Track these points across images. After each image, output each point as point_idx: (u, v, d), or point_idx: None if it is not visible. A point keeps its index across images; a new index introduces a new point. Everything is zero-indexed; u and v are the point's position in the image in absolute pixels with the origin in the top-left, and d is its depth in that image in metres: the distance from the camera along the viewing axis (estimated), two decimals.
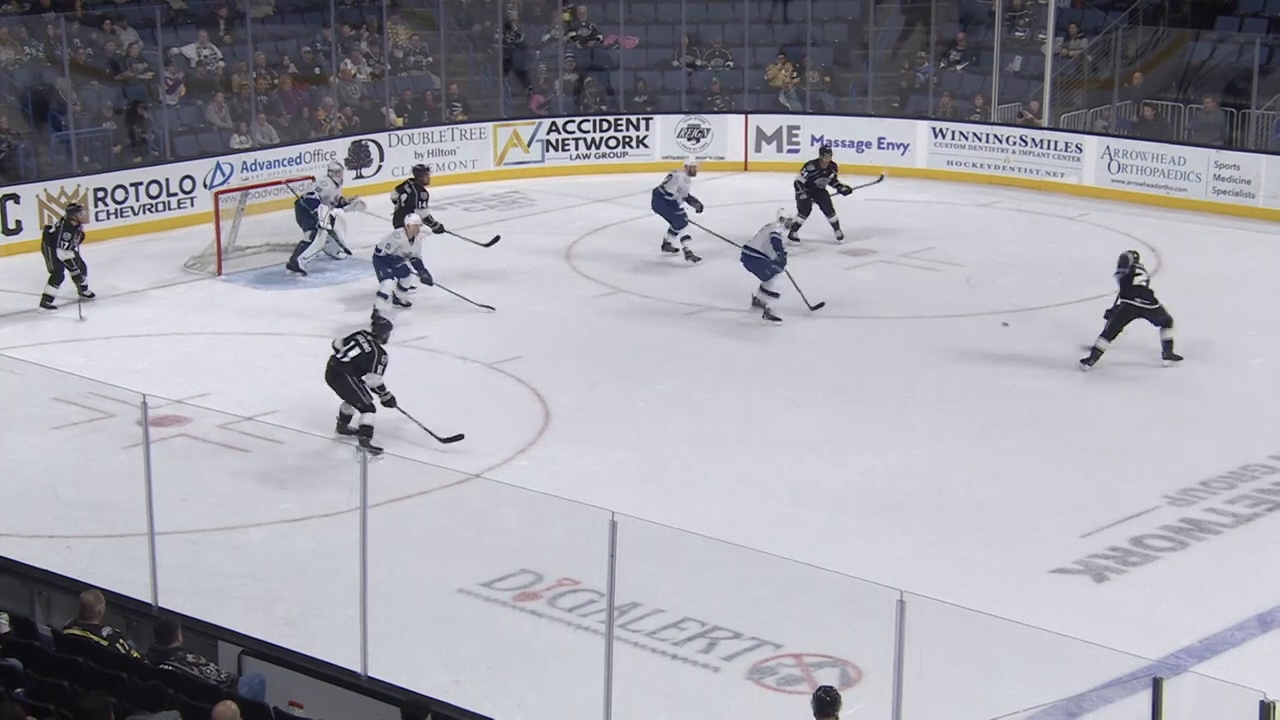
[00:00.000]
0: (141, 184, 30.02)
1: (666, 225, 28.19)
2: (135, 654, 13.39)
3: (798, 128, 34.55)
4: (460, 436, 19.97)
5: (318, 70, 34.25)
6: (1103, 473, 19.43)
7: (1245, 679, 11.63)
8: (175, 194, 30.28)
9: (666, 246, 28.15)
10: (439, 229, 27.24)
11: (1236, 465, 19.54)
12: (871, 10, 36.35)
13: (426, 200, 27.41)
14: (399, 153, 32.87)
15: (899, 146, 34.05)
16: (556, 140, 34.74)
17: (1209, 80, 33.56)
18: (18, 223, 27.81)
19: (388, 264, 24.47)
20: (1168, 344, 22.61)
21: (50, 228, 26.03)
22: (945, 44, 36.28)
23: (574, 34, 36.49)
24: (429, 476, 17.92)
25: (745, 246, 25.07)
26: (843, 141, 33.18)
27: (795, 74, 35.97)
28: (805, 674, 14.91)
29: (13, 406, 20.70)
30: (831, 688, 11.88)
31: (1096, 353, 22.54)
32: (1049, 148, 32.90)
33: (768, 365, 23.20)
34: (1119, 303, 22.54)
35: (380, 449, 19.66)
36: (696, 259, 27.94)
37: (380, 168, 32.98)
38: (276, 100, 33.24)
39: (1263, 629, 15.88)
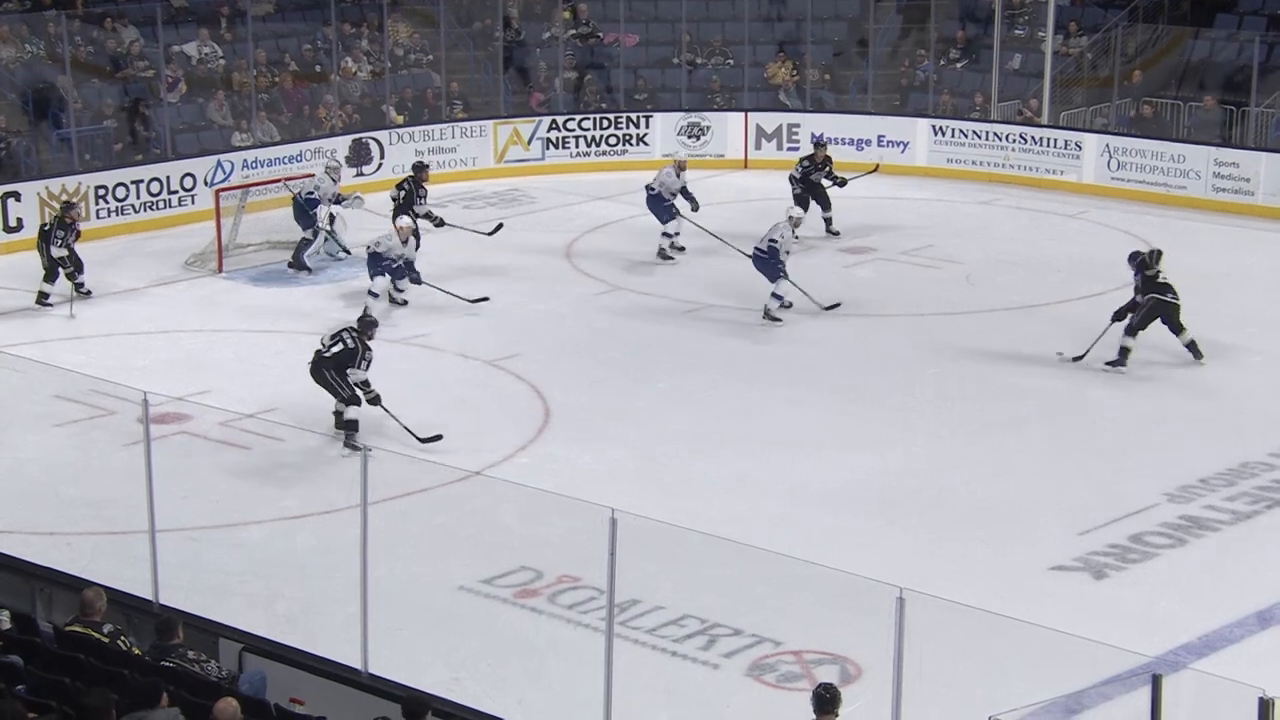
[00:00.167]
0: (142, 181, 30.06)
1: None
2: (136, 651, 13.40)
3: (798, 125, 34.55)
4: (439, 437, 19.99)
5: (318, 68, 34.28)
6: (1102, 470, 19.45)
7: (1244, 676, 11.55)
8: (176, 191, 30.32)
9: (662, 254, 28.13)
10: (439, 223, 27.26)
11: (1236, 462, 19.56)
12: (871, 8, 36.34)
13: (425, 197, 27.41)
14: (399, 150, 32.88)
15: (899, 144, 34.07)
16: (557, 138, 34.76)
17: (1208, 78, 33.60)
18: (19, 220, 27.84)
19: (378, 261, 24.48)
20: (1191, 345, 22.61)
21: (46, 225, 26.05)
22: (945, 42, 36.30)
23: (574, 32, 36.51)
24: (429, 474, 17.96)
25: (755, 247, 25.01)
26: (842, 139, 33.18)
27: (795, 72, 35.99)
28: (805, 671, 14.93)
29: (14, 404, 20.77)
30: (831, 685, 11.89)
31: (1125, 351, 22.47)
32: (1049, 145, 32.93)
33: (767, 363, 23.22)
34: (1149, 298, 22.45)
35: (360, 447, 19.70)
36: (679, 251, 28.11)
37: (381, 165, 33.00)
38: (277, 98, 33.26)
39: (1262, 626, 15.90)
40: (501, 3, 36.06)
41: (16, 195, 28.47)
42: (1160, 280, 22.54)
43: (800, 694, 13.05)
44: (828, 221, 29.08)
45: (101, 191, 29.49)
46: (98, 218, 29.27)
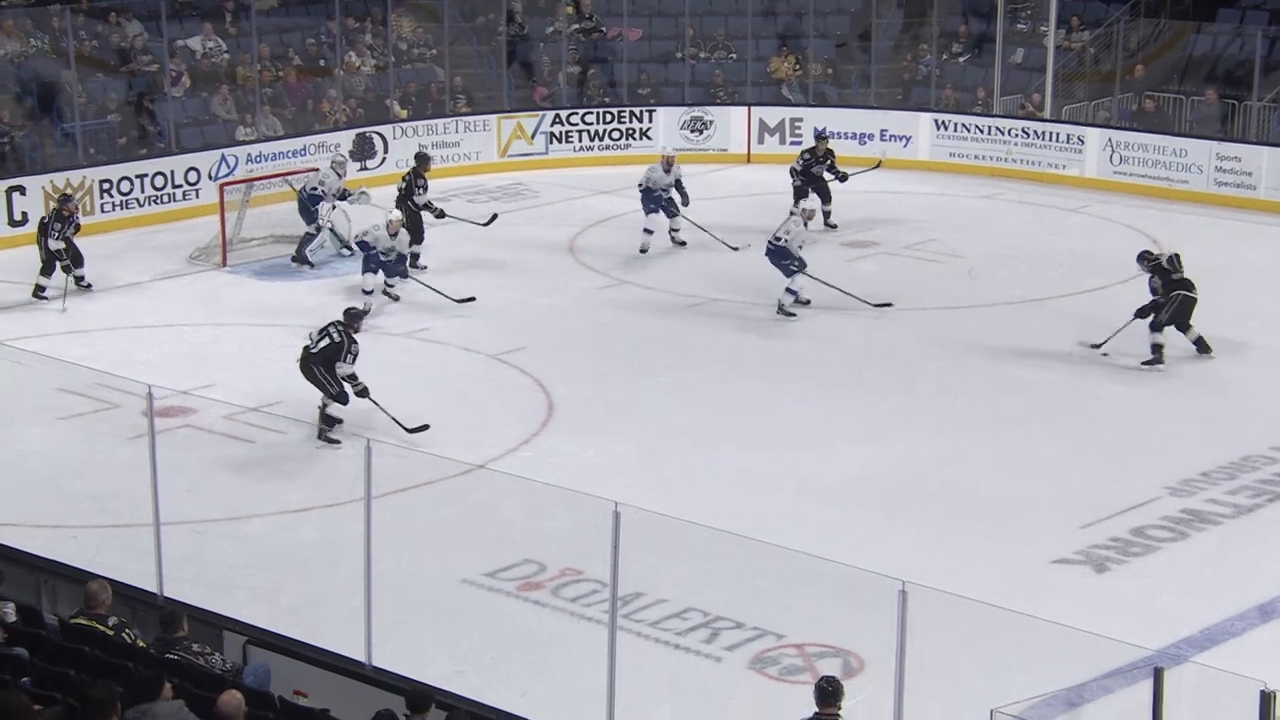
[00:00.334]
0: (147, 175, 30.09)
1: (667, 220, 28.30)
2: (141, 644, 13.42)
3: (800, 120, 34.55)
4: (425, 427, 20.03)
5: (322, 62, 34.28)
6: (1104, 464, 19.48)
7: (1246, 669, 11.61)
8: (180, 186, 30.34)
9: (674, 239, 28.22)
10: (440, 214, 27.25)
11: (1237, 456, 19.59)
12: (874, 2, 36.32)
13: (425, 188, 27.37)
14: (403, 145, 32.85)
15: (901, 138, 34.10)
16: (560, 132, 34.79)
17: (1210, 72, 33.61)
18: (24, 214, 27.84)
19: (366, 251, 24.59)
20: (1199, 341, 22.63)
21: (44, 218, 26.09)
22: (947, 36, 36.30)
23: (577, 26, 36.53)
24: (433, 468, 17.95)
25: (769, 240, 24.98)
26: (845, 133, 33.18)
27: (798, 66, 36.02)
28: (808, 664, 14.97)
29: (18, 397, 20.78)
30: (834, 678, 11.93)
31: (1158, 348, 22.42)
32: (1051, 140, 32.95)
33: (770, 357, 23.24)
34: (1176, 295, 22.43)
35: (339, 440, 19.79)
36: (680, 245, 28.25)
37: (384, 160, 33.02)
38: (281, 92, 33.28)
39: (1263, 619, 15.95)
40: None
41: (21, 189, 28.48)
42: (1178, 278, 22.55)
43: (803, 687, 13.01)
44: (826, 215, 29.07)
45: (106, 185, 29.52)
46: (102, 212, 29.33)
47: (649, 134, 34.89)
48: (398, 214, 25.08)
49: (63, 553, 16.26)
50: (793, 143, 33.71)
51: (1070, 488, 18.80)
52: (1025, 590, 15.85)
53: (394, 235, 24.53)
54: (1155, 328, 22.47)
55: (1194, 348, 22.65)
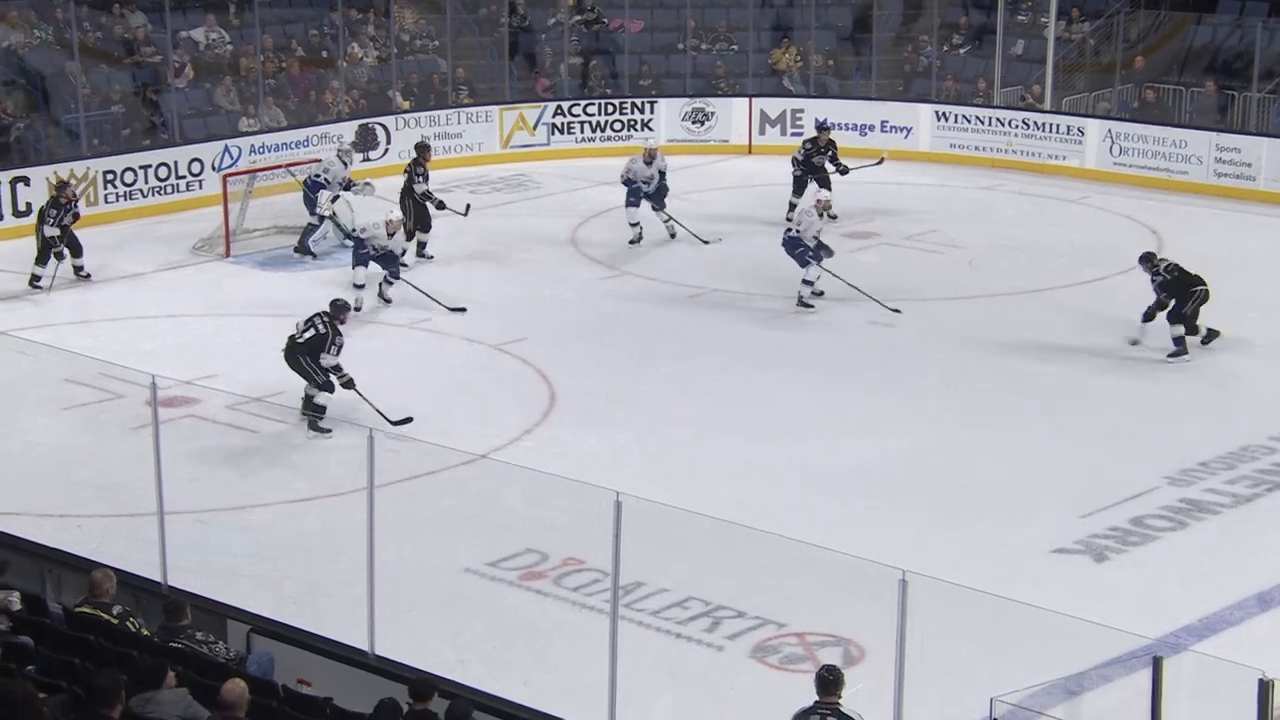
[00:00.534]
0: (150, 166, 30.15)
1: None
2: (145, 632, 13.48)
3: (801, 111, 34.57)
4: (410, 420, 20.09)
5: (325, 54, 34.34)
6: (1103, 454, 19.53)
7: (1244, 658, 11.70)
8: (184, 176, 30.39)
9: (670, 231, 28.29)
10: (440, 205, 27.23)
11: (1236, 446, 19.65)
12: None
13: (425, 178, 27.35)
14: (405, 135, 32.88)
15: (902, 130, 34.14)
16: (562, 123, 34.83)
17: (1210, 63, 33.66)
18: (27, 205, 27.81)
19: (360, 247, 24.52)
20: (1209, 334, 22.73)
21: (43, 205, 26.21)
22: (948, 27, 36.34)
23: (579, 17, 36.58)
24: (435, 457, 17.95)
25: (785, 231, 24.97)
26: (846, 124, 33.22)
27: (799, 58, 36.06)
28: (808, 653, 15.02)
29: (23, 387, 20.81)
30: (834, 666, 11.95)
31: (1181, 339, 22.48)
32: (1051, 131, 33.00)
33: (771, 347, 23.28)
34: (1198, 290, 22.47)
35: (330, 430, 19.84)
36: (634, 240, 28.19)
37: (387, 151, 33.07)
38: (284, 83, 33.34)
39: (1262, 608, 16.00)
40: None
41: (25, 180, 28.53)
42: (1193, 273, 22.59)
43: (803, 676, 13.07)
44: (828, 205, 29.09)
45: (110, 176, 29.58)
46: (106, 202, 29.40)
47: (650, 125, 34.93)
48: (398, 215, 24.97)
49: (67, 542, 16.31)
50: (794, 134, 33.73)
51: (1070, 477, 18.85)
52: (1025, 579, 15.83)
53: (391, 235, 24.42)
54: (1176, 320, 22.50)
55: (1202, 344, 22.69)
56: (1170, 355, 22.45)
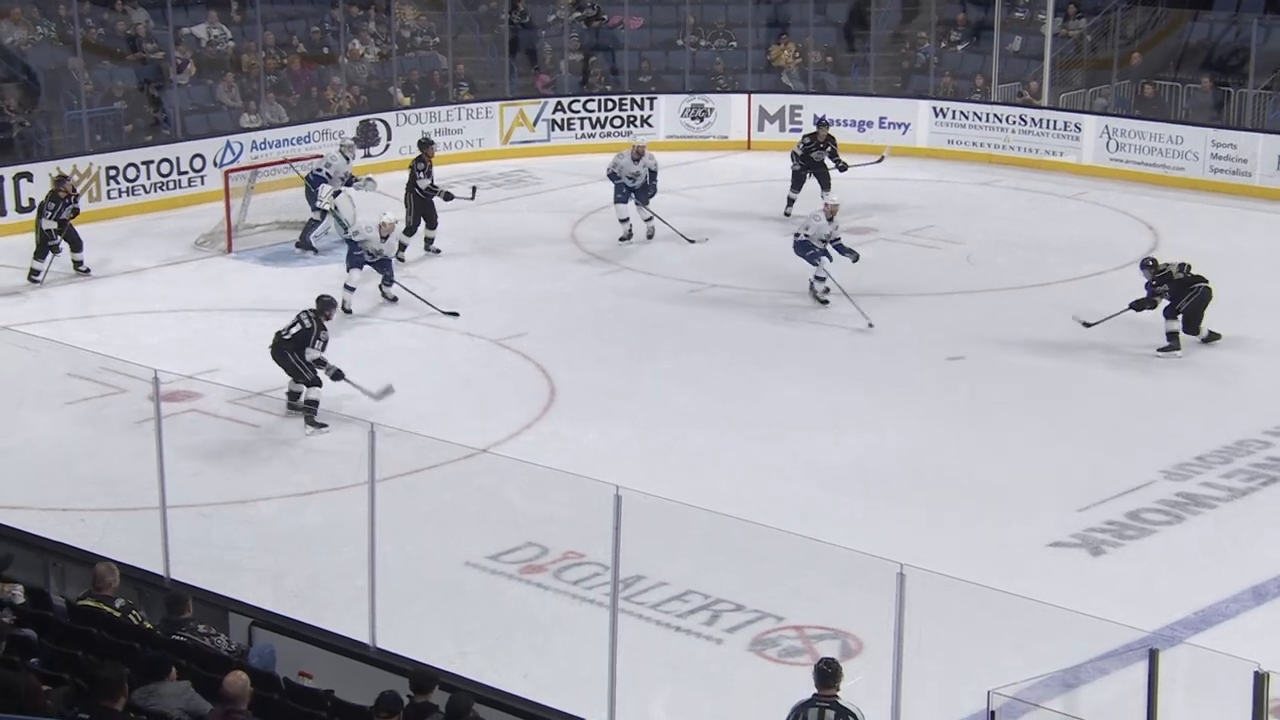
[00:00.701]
0: (153, 162, 30.20)
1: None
2: (148, 625, 13.53)
3: (800, 107, 34.62)
4: (390, 389, 20.18)
5: (326, 50, 34.39)
6: (1100, 448, 19.59)
7: (1240, 650, 11.78)
8: (186, 172, 30.46)
9: (648, 230, 28.28)
10: (447, 196, 27.21)
11: (1232, 440, 19.72)
12: None
13: (427, 172, 27.27)
14: (406, 132, 32.92)
15: (900, 126, 34.19)
16: (562, 119, 34.88)
17: (1206, 59, 33.71)
18: (30, 200, 27.82)
19: (353, 249, 24.30)
20: (1210, 335, 22.80)
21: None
22: (946, 24, 36.37)
23: (579, 14, 36.62)
24: (436, 451, 17.90)
25: (795, 235, 24.89)
26: (845, 121, 33.26)
27: (797, 54, 36.12)
28: (807, 646, 15.10)
29: (26, 382, 20.83)
30: (833, 659, 11.96)
31: (1174, 335, 22.53)
32: (1048, 127, 33.07)
33: (769, 342, 23.33)
34: (1199, 288, 22.54)
35: (326, 425, 19.93)
36: (624, 238, 28.15)
37: (388, 147, 33.12)
38: (285, 80, 33.40)
39: (1257, 601, 16.07)
40: None
41: (29, 176, 28.59)
42: (1195, 273, 22.66)
43: (802, 668, 13.10)
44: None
45: (112, 172, 29.64)
46: (109, 198, 29.46)
47: (650, 121, 34.99)
48: (391, 217, 24.65)
49: (70, 535, 16.35)
50: (793, 130, 33.78)
51: (1067, 472, 18.90)
52: (1022, 573, 15.92)
53: (384, 238, 24.19)
54: (1171, 315, 22.56)
55: (1203, 343, 22.75)
56: (1160, 350, 22.50)
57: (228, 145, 30.93)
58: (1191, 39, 34.46)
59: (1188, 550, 17.21)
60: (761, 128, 35.03)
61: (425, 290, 25.01)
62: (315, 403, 20.10)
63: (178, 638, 13.24)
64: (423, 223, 27.24)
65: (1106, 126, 32.52)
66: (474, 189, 27.92)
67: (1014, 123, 33.33)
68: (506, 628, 15.59)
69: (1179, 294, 22.51)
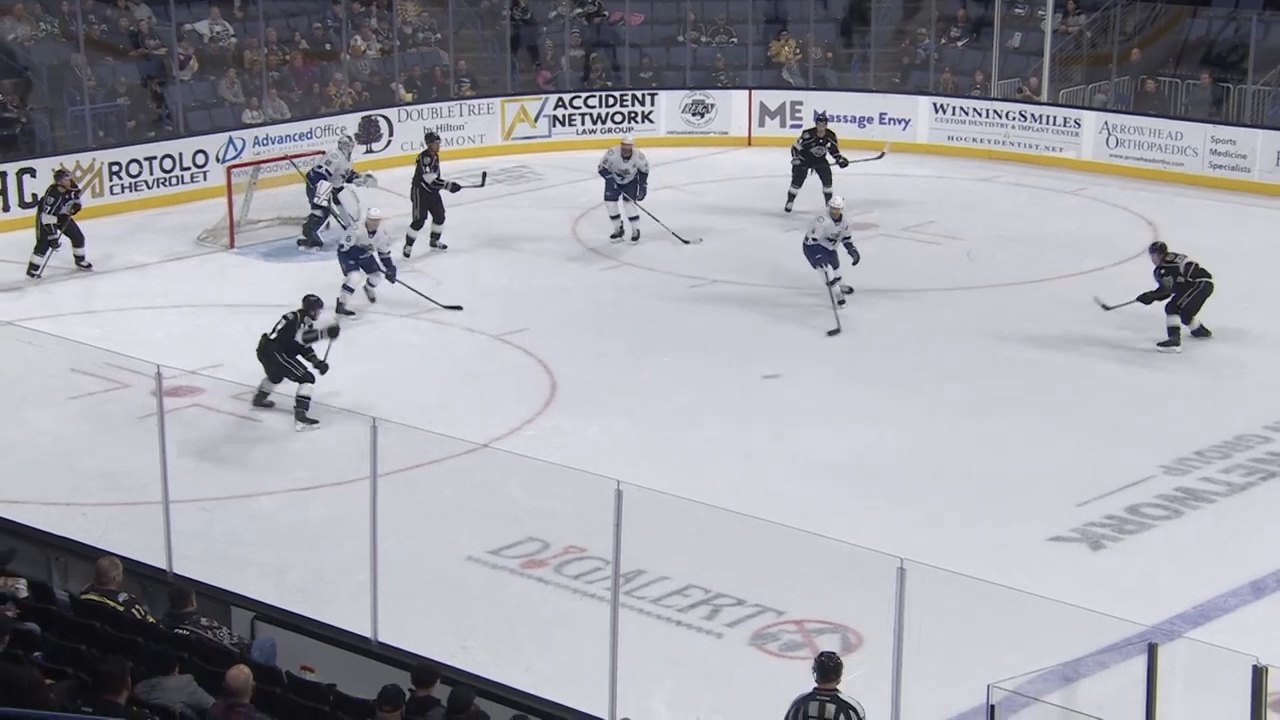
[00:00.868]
0: (155, 158, 30.25)
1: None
2: (151, 619, 13.57)
3: (800, 103, 34.66)
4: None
5: (328, 46, 34.43)
6: (1099, 443, 19.62)
7: (1239, 644, 11.79)
8: (188, 168, 30.51)
9: (634, 229, 28.20)
10: (454, 188, 27.20)
11: (1231, 435, 19.76)
12: None
13: (432, 167, 27.26)
14: (408, 128, 33.01)
15: (900, 121, 34.22)
16: (563, 115, 34.93)
17: (1205, 55, 33.74)
18: (33, 196, 27.80)
19: (352, 256, 24.02)
20: (1200, 329, 22.79)
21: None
22: (946, 20, 36.40)
23: (580, 10, 36.66)
24: (438, 446, 17.99)
25: (805, 240, 24.79)
26: (845, 116, 33.28)
27: (798, 50, 36.15)
28: (807, 640, 15.12)
29: (29, 377, 20.86)
30: (833, 653, 11.95)
31: (1175, 330, 22.58)
32: (1048, 123, 33.10)
33: (770, 338, 23.36)
34: (1201, 282, 22.56)
35: (316, 420, 19.99)
36: (618, 238, 28.07)
37: (390, 143, 33.18)
38: (287, 76, 33.43)
39: (1256, 595, 16.10)
40: None
41: (32, 171, 28.61)
42: (1200, 267, 22.70)
43: (802, 663, 13.09)
44: (827, 196, 28.98)
45: (115, 168, 29.69)
46: (111, 194, 29.51)
47: (651, 117, 35.05)
48: (377, 212, 24.41)
49: (73, 530, 16.40)
50: (793, 125, 33.83)
51: (1066, 466, 18.94)
52: (1022, 567, 15.93)
53: (372, 234, 23.95)
54: (1173, 310, 22.58)
55: (1193, 336, 22.79)
56: (1161, 344, 22.54)
57: (230, 141, 30.98)
58: (1191, 35, 34.51)
59: (1187, 545, 17.24)
60: (762, 123, 35.08)
61: (432, 284, 25.07)
62: (306, 399, 20.12)
63: (180, 631, 13.28)
64: (429, 218, 27.24)
65: (1106, 122, 32.56)
66: (484, 175, 28.00)
67: (1014, 119, 33.38)
68: (508, 622, 15.61)
69: (1182, 290, 22.54)
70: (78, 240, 26.10)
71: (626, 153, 27.92)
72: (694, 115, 35.10)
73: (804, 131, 30.03)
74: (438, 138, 28.32)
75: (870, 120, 34.13)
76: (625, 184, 27.83)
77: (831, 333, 23.52)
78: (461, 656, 14.17)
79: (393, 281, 24.25)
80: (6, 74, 30.71)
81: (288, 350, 20.19)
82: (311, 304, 20.53)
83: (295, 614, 14.71)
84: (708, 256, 27.02)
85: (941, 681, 13.60)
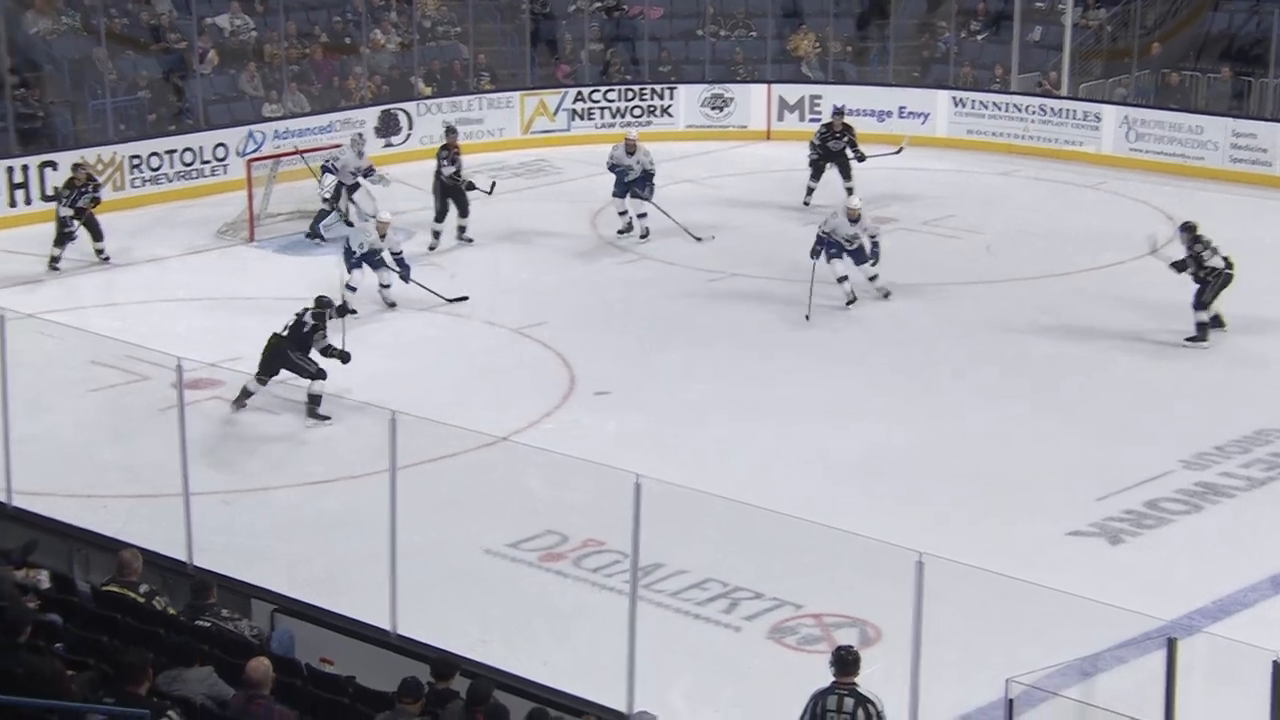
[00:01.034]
0: (175, 151, 30.35)
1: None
2: (171, 611, 13.63)
3: (819, 97, 34.59)
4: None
5: (348, 40, 34.47)
6: (1118, 437, 19.61)
7: (1258, 639, 11.77)
8: (209, 161, 30.60)
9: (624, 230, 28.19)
10: (469, 186, 27.22)
11: (1251, 430, 19.74)
12: None
13: (450, 160, 27.18)
14: (427, 121, 33.07)
15: (919, 115, 34.18)
16: (582, 109, 34.95)
17: (1226, 49, 33.69)
18: (55, 190, 27.96)
19: (364, 258, 23.95)
20: (1215, 318, 22.74)
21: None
22: (966, 14, 36.35)
23: (600, 4, 36.67)
24: (456, 440, 17.95)
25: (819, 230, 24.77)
26: (864, 110, 33.29)
27: (817, 44, 36.14)
28: (825, 634, 15.14)
29: (50, 369, 20.84)
30: (851, 647, 12.00)
31: (1203, 326, 22.55)
32: (1068, 117, 33.06)
33: (787, 332, 23.38)
34: (1222, 273, 22.54)
35: (329, 416, 20.03)
36: (625, 233, 28.02)
37: (409, 136, 33.23)
38: (307, 69, 33.50)
39: (1275, 590, 16.10)
40: None
41: (53, 165, 28.65)
42: (1222, 254, 22.66)
43: (820, 656, 13.01)
44: (849, 192, 29.00)
45: (136, 161, 29.78)
46: (132, 187, 29.62)
47: (670, 111, 35.06)
48: (387, 215, 24.43)
49: (94, 522, 16.44)
50: (812, 119, 33.76)
51: (1085, 461, 18.92)
52: (1040, 562, 15.93)
53: (383, 237, 23.90)
54: (1199, 306, 22.53)
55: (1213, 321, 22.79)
56: (1188, 340, 22.52)
57: (250, 135, 31.06)
58: (1212, 29, 34.45)
59: (1206, 539, 17.24)
60: (781, 117, 35.06)
61: (447, 278, 25.11)
62: (319, 396, 20.13)
63: (201, 623, 13.34)
64: (454, 210, 27.21)
65: (1126, 116, 32.51)
66: (493, 184, 28.00)
67: (1034, 113, 33.33)
68: (526, 615, 15.65)
69: (1207, 284, 22.46)
70: (97, 235, 26.17)
71: (630, 148, 27.82)
72: (713, 109, 35.10)
73: (821, 126, 30.01)
74: (456, 131, 28.31)
75: (889, 114, 34.09)
76: (632, 180, 27.76)
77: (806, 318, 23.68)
78: (480, 649, 14.17)
79: (407, 281, 24.21)
80: (28, 68, 30.76)
81: (301, 347, 20.21)
82: (324, 305, 20.55)
83: (315, 606, 14.72)
84: (726, 250, 27.02)
85: (960, 675, 13.61)
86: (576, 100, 34.93)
